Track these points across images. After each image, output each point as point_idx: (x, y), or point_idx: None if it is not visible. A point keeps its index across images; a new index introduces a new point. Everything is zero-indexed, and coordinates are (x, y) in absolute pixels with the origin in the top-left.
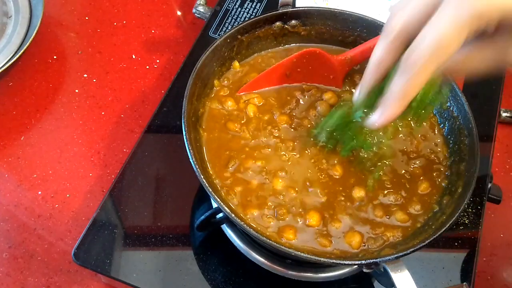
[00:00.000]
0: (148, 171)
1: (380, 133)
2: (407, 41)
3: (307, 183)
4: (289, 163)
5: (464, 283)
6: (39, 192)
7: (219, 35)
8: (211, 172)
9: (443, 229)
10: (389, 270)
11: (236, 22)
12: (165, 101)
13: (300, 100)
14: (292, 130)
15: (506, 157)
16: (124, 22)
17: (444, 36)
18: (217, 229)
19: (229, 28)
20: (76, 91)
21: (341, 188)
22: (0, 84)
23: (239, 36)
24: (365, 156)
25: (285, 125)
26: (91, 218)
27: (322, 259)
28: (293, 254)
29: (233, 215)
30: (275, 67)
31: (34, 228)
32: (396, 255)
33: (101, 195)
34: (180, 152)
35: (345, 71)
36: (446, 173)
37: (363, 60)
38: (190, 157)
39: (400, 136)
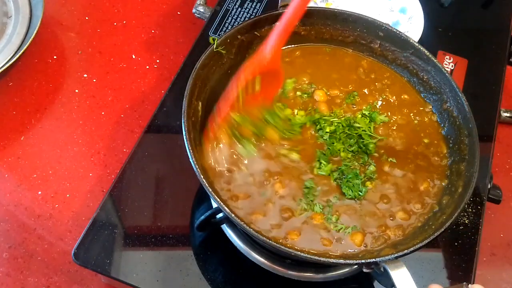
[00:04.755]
0: (148, 171)
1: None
2: None
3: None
4: (290, 165)
5: (464, 283)
6: (39, 192)
7: (219, 35)
8: None
9: (443, 229)
10: (389, 270)
11: (236, 22)
12: (165, 101)
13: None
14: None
15: (506, 157)
16: (124, 22)
17: None
18: (217, 229)
19: (229, 28)
20: (76, 91)
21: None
22: (0, 84)
23: (239, 36)
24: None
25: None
26: (91, 218)
27: (322, 259)
28: (293, 254)
29: (233, 215)
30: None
31: (34, 228)
32: (396, 255)
33: (101, 195)
34: (180, 152)
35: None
36: (446, 172)
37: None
38: (190, 157)
39: (401, 135)
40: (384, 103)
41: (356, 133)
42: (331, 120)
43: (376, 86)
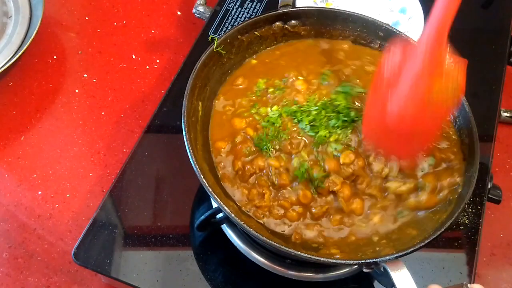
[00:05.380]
0: (148, 171)
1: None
2: None
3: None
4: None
5: (464, 282)
6: (39, 192)
7: (219, 35)
8: None
9: (443, 229)
10: (389, 270)
11: (236, 22)
12: (165, 101)
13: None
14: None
15: (506, 157)
16: (124, 22)
17: None
18: (217, 229)
19: (229, 28)
20: (76, 91)
21: None
22: (0, 84)
23: (239, 36)
24: None
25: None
26: (91, 218)
27: (322, 259)
28: (293, 254)
29: (233, 215)
30: None
31: (34, 228)
32: (396, 255)
33: (101, 195)
34: (180, 152)
35: None
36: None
37: None
38: (190, 157)
39: None
40: (359, 70)
41: (334, 111)
42: (309, 110)
43: (354, 63)
